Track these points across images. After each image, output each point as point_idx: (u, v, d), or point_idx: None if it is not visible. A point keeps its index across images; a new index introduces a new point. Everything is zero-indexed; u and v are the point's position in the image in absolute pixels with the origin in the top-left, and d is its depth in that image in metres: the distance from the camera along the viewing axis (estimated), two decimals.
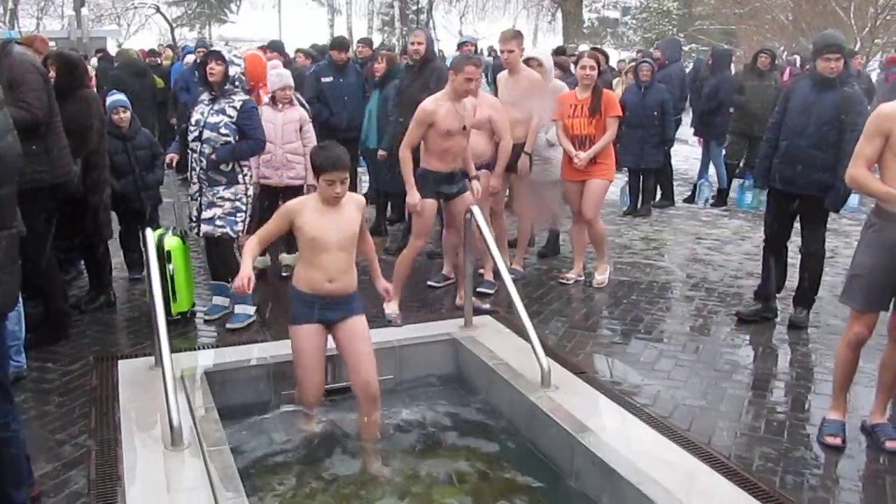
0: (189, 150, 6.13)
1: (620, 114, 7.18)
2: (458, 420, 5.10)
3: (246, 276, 4.32)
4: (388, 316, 6.13)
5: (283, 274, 7.18)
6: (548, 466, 4.52)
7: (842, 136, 5.66)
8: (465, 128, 6.15)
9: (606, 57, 10.20)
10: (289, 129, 7.09)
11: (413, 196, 6.19)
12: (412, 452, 4.74)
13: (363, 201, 4.75)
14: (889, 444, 4.36)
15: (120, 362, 5.34)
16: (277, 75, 7.30)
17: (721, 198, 11.18)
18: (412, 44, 7.87)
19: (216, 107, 5.99)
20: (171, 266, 5.94)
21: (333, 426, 4.87)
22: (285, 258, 7.31)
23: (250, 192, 6.19)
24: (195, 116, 6.09)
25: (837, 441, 4.39)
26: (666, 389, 5.06)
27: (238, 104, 5.99)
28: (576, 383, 5.04)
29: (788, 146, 5.97)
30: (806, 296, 6.25)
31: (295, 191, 6.93)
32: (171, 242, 6.00)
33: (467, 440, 4.89)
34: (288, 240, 7.10)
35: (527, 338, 5.08)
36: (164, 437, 4.28)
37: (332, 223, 4.48)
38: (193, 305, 6.31)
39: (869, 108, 5.82)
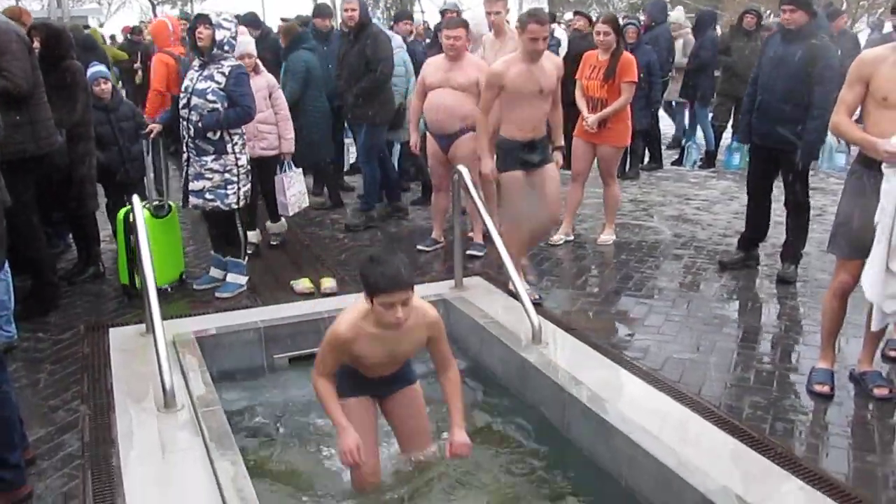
0: (180, 119, 6.05)
1: (635, 79, 7.12)
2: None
3: (353, 444, 3.60)
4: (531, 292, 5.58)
5: (273, 243, 7.17)
6: (540, 420, 4.54)
7: (810, 88, 5.70)
8: (541, 91, 5.65)
9: (590, 20, 10.14)
10: (257, 98, 6.55)
11: (486, 163, 5.78)
12: None
13: (436, 321, 3.83)
14: (877, 391, 4.39)
15: (111, 330, 5.34)
16: (238, 43, 7.09)
17: (709, 160, 11.19)
18: (345, 10, 7.72)
19: (205, 73, 5.89)
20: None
21: None
22: (272, 227, 7.27)
23: (242, 163, 6.00)
24: (185, 82, 6.02)
25: (826, 389, 4.42)
26: (656, 343, 5.09)
27: (227, 70, 5.86)
28: (566, 339, 5.06)
29: (762, 101, 6.04)
30: (792, 250, 6.28)
31: (269, 162, 6.87)
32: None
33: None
34: (269, 208, 7.09)
35: (517, 296, 5.10)
36: (156, 400, 4.28)
37: (390, 354, 3.76)
38: (180, 278, 6.29)
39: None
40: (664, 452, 3.70)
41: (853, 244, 4.31)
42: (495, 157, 5.90)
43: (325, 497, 3.94)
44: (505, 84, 5.59)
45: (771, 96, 5.97)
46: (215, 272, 6.27)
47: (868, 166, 4.19)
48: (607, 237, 7.31)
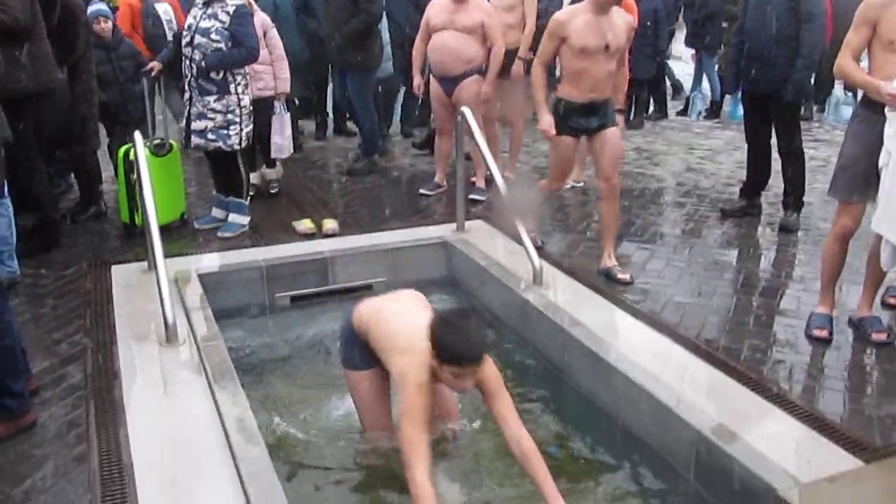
0: (182, 57, 6.00)
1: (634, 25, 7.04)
2: None
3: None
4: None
5: (272, 191, 7.09)
6: (539, 360, 4.58)
7: (797, 28, 5.66)
8: (608, 48, 5.02)
9: None
10: None
11: (543, 119, 5.17)
12: None
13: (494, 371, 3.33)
14: (875, 336, 4.41)
15: (113, 267, 5.35)
16: None
17: (714, 110, 11.12)
18: None
19: (209, 11, 5.82)
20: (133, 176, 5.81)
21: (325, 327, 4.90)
22: (269, 173, 7.17)
23: (244, 104, 5.96)
24: (188, 21, 5.96)
25: (824, 333, 4.44)
26: (657, 287, 5.10)
27: (231, 9, 5.78)
28: (567, 282, 5.08)
29: (750, 46, 6.01)
30: (793, 198, 6.28)
31: (265, 102, 6.80)
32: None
33: None
34: (266, 158, 7.02)
35: (519, 240, 5.11)
36: (158, 335, 4.31)
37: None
38: (182, 218, 6.28)
39: None
40: (662, 391, 3.74)
41: (855, 188, 4.30)
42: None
43: (325, 431, 3.98)
44: (568, 35, 4.99)
45: (757, 41, 5.94)
46: (217, 212, 6.27)
47: (872, 110, 4.17)
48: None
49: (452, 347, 3.06)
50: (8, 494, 3.14)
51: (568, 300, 4.75)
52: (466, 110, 5.60)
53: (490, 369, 3.26)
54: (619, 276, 5.17)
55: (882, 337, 4.39)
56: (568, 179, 7.24)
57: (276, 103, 6.86)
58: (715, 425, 3.46)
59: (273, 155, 7.05)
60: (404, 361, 3.27)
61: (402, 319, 3.48)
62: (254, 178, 6.92)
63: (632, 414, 3.86)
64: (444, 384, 3.24)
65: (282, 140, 6.98)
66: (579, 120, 5.14)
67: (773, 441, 3.37)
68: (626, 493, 3.58)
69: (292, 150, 7.37)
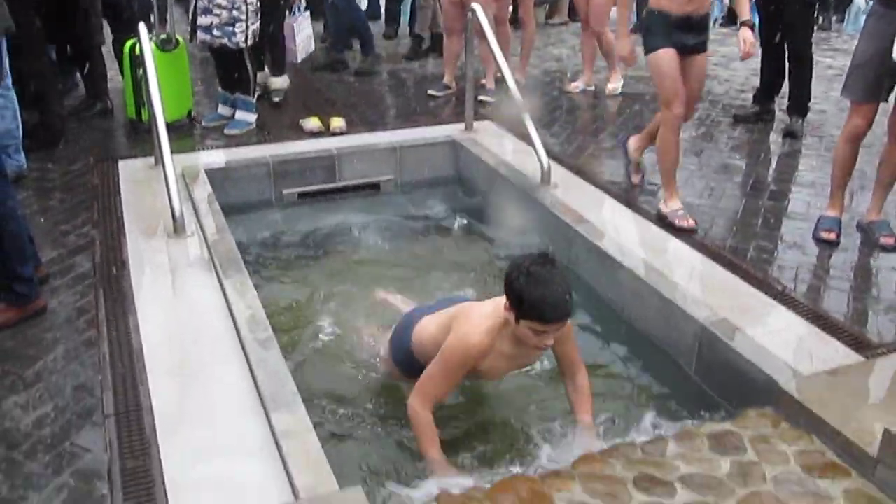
0: None
1: None
2: (459, 216, 5.20)
3: (447, 477, 2.86)
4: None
5: (275, 100, 6.93)
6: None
7: None
8: None
9: None
10: None
11: (622, 45, 4.75)
12: (414, 244, 4.83)
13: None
14: (883, 241, 4.40)
15: (120, 162, 5.35)
16: None
17: (731, 17, 10.89)
18: None
19: None
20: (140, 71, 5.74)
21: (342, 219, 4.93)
22: (275, 82, 6.97)
23: (251, 0, 5.83)
24: None
25: (832, 236, 4.42)
26: None
27: None
28: (575, 181, 5.07)
29: None
30: (798, 103, 6.21)
31: (278, 3, 6.63)
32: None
33: (468, 235, 4.99)
34: (273, 62, 6.89)
35: (528, 140, 5.07)
36: (166, 227, 4.33)
37: (510, 368, 3.19)
38: (189, 115, 6.24)
39: None
40: (667, 287, 3.75)
41: (868, 87, 4.23)
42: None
43: (329, 324, 4.03)
44: None
45: None
46: (223, 109, 6.23)
47: (888, 6, 4.08)
48: (614, 85, 7.19)
49: (539, 305, 2.73)
50: (20, 375, 3.20)
51: (575, 199, 4.74)
52: (477, 7, 5.50)
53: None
54: (679, 221, 4.47)
55: (889, 241, 4.37)
56: (578, 83, 7.19)
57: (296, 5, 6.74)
58: (718, 320, 3.48)
59: (289, 59, 6.93)
60: (464, 327, 2.96)
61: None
62: (259, 77, 6.82)
63: (636, 308, 3.90)
64: (524, 344, 2.91)
65: (295, 45, 6.85)
66: (677, 34, 4.43)
67: (775, 337, 3.39)
68: (627, 385, 3.63)
69: (312, 49, 7.23)
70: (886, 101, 4.32)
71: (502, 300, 2.88)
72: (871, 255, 4.32)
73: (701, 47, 4.56)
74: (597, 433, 3.12)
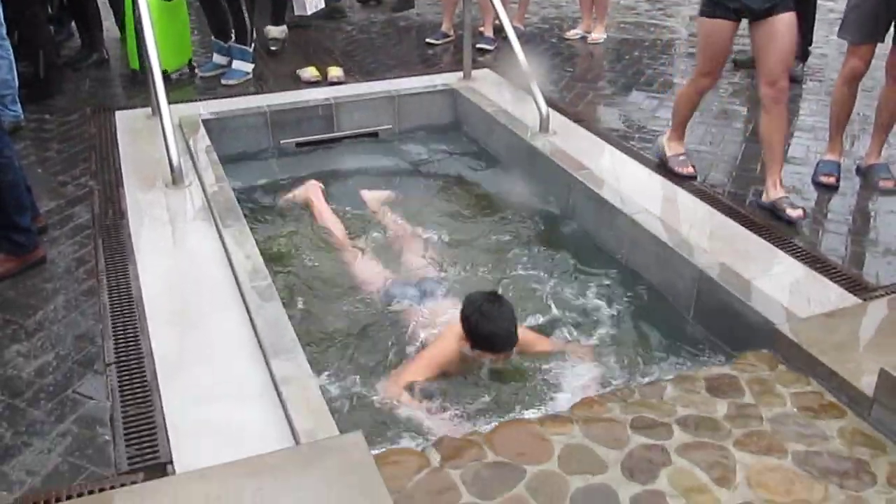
0: None
1: None
2: (457, 164, 5.19)
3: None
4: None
5: (272, 48, 6.85)
6: (545, 204, 4.59)
7: None
8: None
9: None
10: None
11: None
12: (412, 193, 4.82)
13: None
14: (882, 184, 4.39)
15: (117, 112, 5.32)
16: None
17: None
18: None
19: None
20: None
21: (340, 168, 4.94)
22: (272, 31, 6.87)
23: None
24: None
25: (832, 180, 4.41)
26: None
27: None
28: (574, 129, 5.04)
29: None
30: (799, 47, 6.12)
31: None
32: None
33: (466, 183, 4.99)
34: (274, 10, 6.82)
35: (526, 88, 5.04)
36: (164, 177, 4.32)
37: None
38: (189, 64, 6.19)
39: None
40: (666, 232, 3.76)
41: (864, 27, 4.19)
42: None
43: (326, 270, 4.05)
44: None
45: None
46: (218, 58, 6.17)
47: None
48: (598, 35, 7.11)
49: (488, 337, 3.20)
50: (21, 325, 3.22)
51: (574, 146, 4.72)
52: None
53: (524, 335, 3.35)
54: (789, 211, 3.97)
55: (889, 184, 4.37)
56: (577, 30, 7.12)
57: None
58: (716, 264, 3.49)
59: (297, 12, 6.84)
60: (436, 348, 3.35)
61: None
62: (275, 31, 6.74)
63: (635, 253, 3.90)
64: (476, 363, 3.29)
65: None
66: None
67: (773, 280, 3.40)
68: (626, 330, 3.64)
69: (323, 5, 7.11)
70: (883, 41, 4.28)
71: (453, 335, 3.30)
72: (870, 198, 4.32)
73: (777, 8, 3.90)
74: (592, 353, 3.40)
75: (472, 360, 3.28)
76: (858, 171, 4.56)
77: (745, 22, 4.11)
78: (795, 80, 6.02)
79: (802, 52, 6.13)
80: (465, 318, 3.24)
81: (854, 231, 3.95)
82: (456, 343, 3.30)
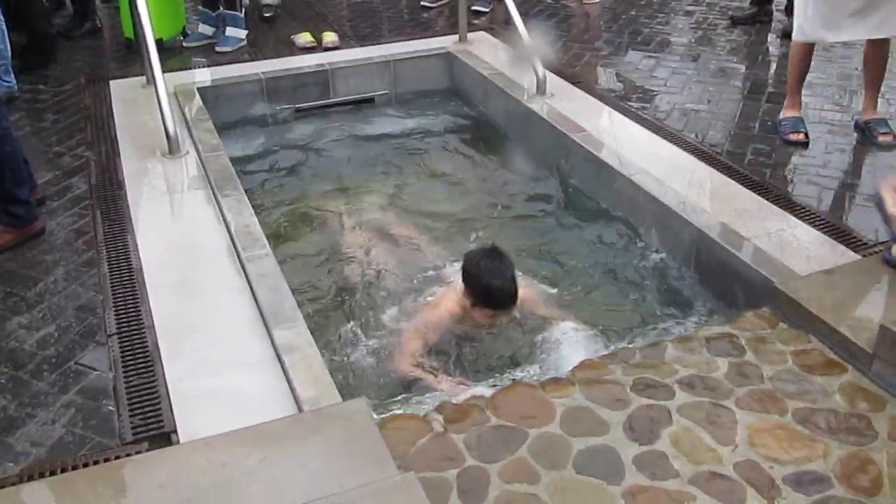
0: None
1: None
2: (454, 128, 5.18)
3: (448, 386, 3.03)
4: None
5: (266, 14, 6.73)
6: (543, 167, 4.58)
7: None
8: None
9: None
10: None
11: None
12: (409, 158, 4.81)
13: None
14: (882, 138, 4.37)
15: (111, 82, 5.29)
16: None
17: None
18: None
19: None
20: None
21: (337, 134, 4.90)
22: None
23: None
24: None
25: (801, 136, 4.36)
26: (662, 95, 5.03)
27: None
28: (571, 91, 5.01)
29: None
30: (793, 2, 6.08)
31: None
32: None
33: (463, 147, 4.97)
34: None
35: (523, 50, 5.00)
36: (160, 147, 4.29)
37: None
38: (184, 31, 6.14)
39: None
40: (664, 193, 3.75)
41: None
42: None
43: (328, 239, 4.05)
44: None
45: None
46: (205, 28, 6.09)
47: None
48: None
49: (488, 291, 3.14)
50: (22, 297, 3.22)
51: (572, 108, 4.69)
52: None
53: (525, 295, 3.30)
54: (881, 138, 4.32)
55: (888, 139, 4.35)
56: None
57: None
58: (715, 223, 3.49)
59: None
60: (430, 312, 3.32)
61: None
62: None
63: (634, 216, 3.90)
64: (477, 322, 3.25)
65: None
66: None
67: (772, 238, 3.40)
68: (626, 291, 3.65)
69: None
70: None
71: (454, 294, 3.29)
72: (869, 154, 4.30)
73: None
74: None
75: (474, 321, 3.25)
76: (857, 126, 4.53)
77: None
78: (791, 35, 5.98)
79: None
80: (465, 273, 3.23)
81: (852, 188, 3.94)
82: (457, 302, 3.27)
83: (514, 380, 2.93)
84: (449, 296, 3.34)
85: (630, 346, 2.96)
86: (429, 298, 3.47)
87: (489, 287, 3.15)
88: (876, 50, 4.34)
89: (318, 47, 5.86)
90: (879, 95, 4.51)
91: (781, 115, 4.52)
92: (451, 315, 3.27)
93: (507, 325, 3.29)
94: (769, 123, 4.63)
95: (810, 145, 4.34)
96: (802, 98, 4.61)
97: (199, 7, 6.20)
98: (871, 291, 2.99)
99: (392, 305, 3.53)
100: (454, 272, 3.43)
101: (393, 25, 6.52)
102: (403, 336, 3.28)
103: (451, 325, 3.26)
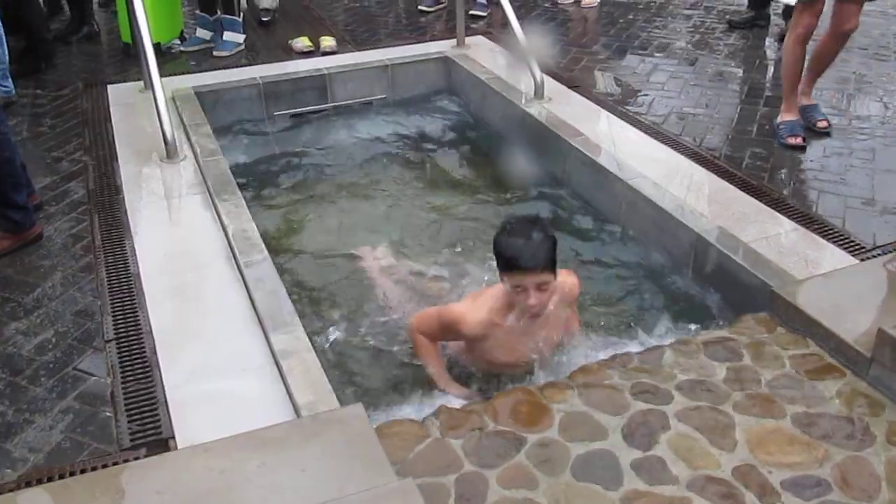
0: None
1: None
2: (451, 133, 5.16)
3: (453, 389, 3.00)
4: None
5: (263, 19, 6.71)
6: (540, 171, 4.57)
7: None
8: None
9: None
10: None
11: None
12: (407, 162, 4.82)
13: (574, 291, 3.16)
14: (820, 124, 4.49)
15: (109, 86, 5.29)
16: None
17: None
18: None
19: None
20: None
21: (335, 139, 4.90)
22: (263, 1, 6.73)
23: None
24: None
25: (800, 140, 4.37)
26: (660, 99, 5.03)
27: None
28: (569, 95, 5.01)
29: None
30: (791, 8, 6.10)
31: None
32: None
33: (461, 151, 4.98)
34: None
35: (520, 55, 5.00)
36: (158, 151, 4.29)
37: (529, 344, 3.02)
38: (182, 36, 6.14)
39: None
40: (662, 196, 3.75)
41: None
42: None
43: (325, 244, 4.05)
44: None
45: None
46: (202, 33, 6.10)
47: None
48: (591, 0, 7.05)
49: (510, 251, 2.76)
50: (20, 302, 3.21)
51: (569, 112, 4.70)
52: None
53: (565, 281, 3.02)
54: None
55: (824, 124, 4.50)
56: None
57: None
58: (713, 227, 3.49)
59: None
60: (468, 305, 3.04)
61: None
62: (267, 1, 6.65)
63: (632, 220, 3.90)
64: (519, 313, 2.91)
65: None
66: None
67: (770, 242, 3.40)
68: (624, 296, 3.65)
69: None
70: None
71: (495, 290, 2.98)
72: (867, 158, 4.30)
73: None
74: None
75: (508, 304, 2.91)
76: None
77: None
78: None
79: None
80: (495, 241, 2.87)
81: (850, 192, 3.94)
82: (497, 300, 2.95)
83: (512, 385, 2.92)
84: (493, 292, 3.02)
85: (628, 350, 2.96)
86: (427, 302, 3.46)
87: (509, 246, 2.78)
88: (836, 45, 4.41)
89: (316, 52, 5.86)
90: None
91: (779, 120, 4.52)
92: (492, 309, 2.95)
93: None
94: (767, 127, 4.64)
95: (808, 149, 4.34)
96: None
97: (197, 11, 6.20)
98: (869, 295, 2.99)
99: (390, 310, 3.53)
100: (453, 276, 3.43)
101: (391, 30, 6.52)
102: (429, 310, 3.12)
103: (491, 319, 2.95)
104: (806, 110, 4.52)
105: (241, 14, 6.08)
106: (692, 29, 6.41)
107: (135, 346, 2.92)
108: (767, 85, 5.32)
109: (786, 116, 4.50)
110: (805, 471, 2.32)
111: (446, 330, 3.02)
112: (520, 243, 2.75)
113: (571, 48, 6.03)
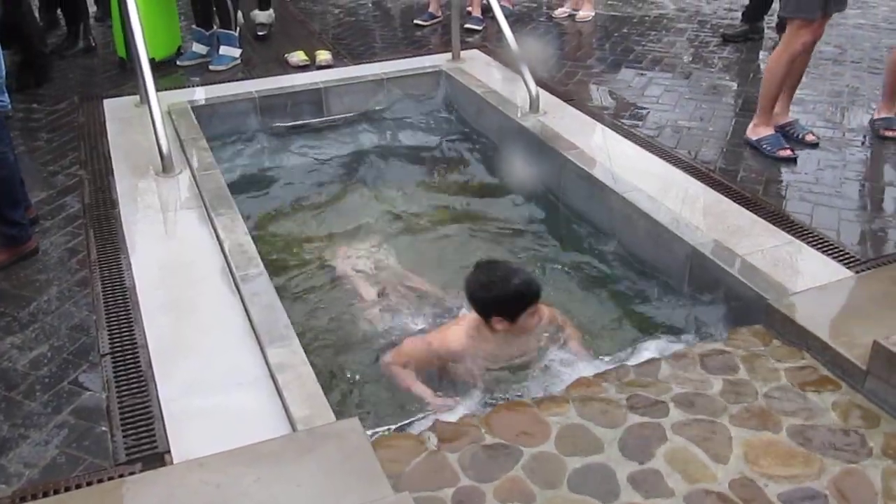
0: None
1: None
2: (447, 146, 5.18)
3: (438, 401, 3.02)
4: None
5: (260, 34, 6.71)
6: (536, 184, 4.58)
7: None
8: None
9: None
10: None
11: None
12: (402, 175, 4.83)
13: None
14: (809, 138, 4.52)
15: (105, 101, 5.30)
16: None
17: None
18: None
19: None
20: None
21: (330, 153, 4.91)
22: (259, 16, 6.75)
23: None
24: None
25: (789, 152, 4.38)
26: (654, 113, 5.05)
27: None
28: (564, 109, 5.02)
29: None
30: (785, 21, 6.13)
31: None
32: None
33: (457, 164, 4.99)
34: None
35: (515, 68, 5.02)
36: (154, 165, 4.30)
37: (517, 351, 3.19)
38: (179, 52, 6.15)
39: None
40: (657, 210, 3.76)
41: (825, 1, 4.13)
42: None
43: (320, 257, 4.05)
44: None
45: None
46: (198, 47, 6.10)
47: None
48: (586, 13, 7.08)
49: (511, 295, 2.95)
50: (15, 317, 3.21)
51: (565, 126, 4.71)
52: None
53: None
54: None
55: (812, 138, 4.51)
56: (565, 8, 7.10)
57: None
58: (709, 240, 3.50)
59: None
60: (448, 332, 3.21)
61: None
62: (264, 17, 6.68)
63: (627, 233, 3.90)
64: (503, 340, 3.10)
65: None
66: None
67: (765, 255, 3.41)
68: (620, 309, 3.66)
69: None
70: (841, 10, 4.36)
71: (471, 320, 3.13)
72: (860, 170, 4.32)
73: None
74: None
75: (497, 343, 3.09)
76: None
77: None
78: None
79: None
80: (477, 300, 3.04)
81: (845, 204, 3.95)
82: (466, 332, 3.12)
83: (507, 398, 2.92)
84: (454, 329, 3.20)
85: (624, 363, 2.96)
86: (425, 316, 3.47)
87: (510, 291, 2.96)
88: (808, 59, 4.49)
89: (312, 66, 5.87)
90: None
91: (758, 136, 4.48)
92: (460, 342, 3.13)
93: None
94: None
95: (802, 162, 4.36)
96: (793, 114, 4.66)
97: (193, 26, 6.21)
98: (865, 308, 3.00)
99: (387, 322, 3.53)
100: (449, 296, 3.43)
101: (386, 44, 6.54)
102: (404, 343, 3.24)
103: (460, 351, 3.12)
104: (790, 126, 4.54)
105: (238, 28, 6.09)
106: (686, 43, 6.44)
107: (130, 361, 2.92)
108: None
109: (763, 132, 4.48)
110: (802, 483, 2.32)
111: (434, 354, 3.16)
112: (515, 282, 2.97)
113: (566, 62, 6.05)
